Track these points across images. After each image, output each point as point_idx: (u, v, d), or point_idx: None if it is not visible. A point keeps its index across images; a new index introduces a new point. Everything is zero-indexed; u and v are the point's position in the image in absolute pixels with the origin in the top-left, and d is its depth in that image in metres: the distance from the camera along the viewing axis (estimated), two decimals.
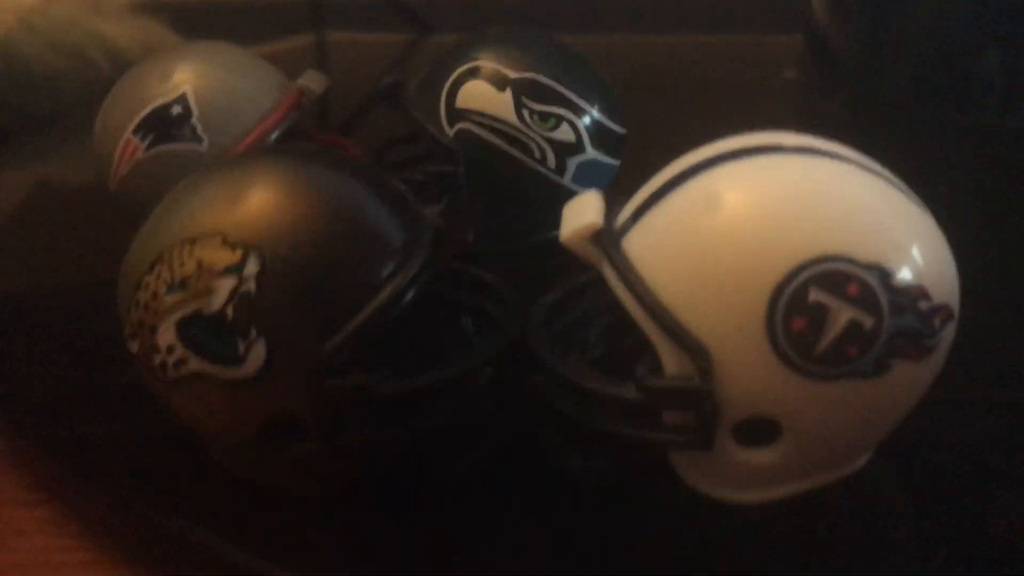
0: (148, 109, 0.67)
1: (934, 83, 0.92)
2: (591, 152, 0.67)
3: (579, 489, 0.51)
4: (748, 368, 0.43)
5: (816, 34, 1.04)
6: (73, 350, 0.70)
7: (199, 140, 0.67)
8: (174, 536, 0.52)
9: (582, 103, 0.67)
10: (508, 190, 0.67)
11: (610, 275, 0.46)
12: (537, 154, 0.66)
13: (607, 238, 0.46)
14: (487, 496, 0.51)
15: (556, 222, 0.49)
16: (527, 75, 0.66)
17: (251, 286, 0.46)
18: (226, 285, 0.46)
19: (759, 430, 0.45)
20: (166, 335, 0.47)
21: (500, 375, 0.51)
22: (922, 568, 0.47)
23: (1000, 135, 0.88)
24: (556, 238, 0.68)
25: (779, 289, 0.42)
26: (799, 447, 0.45)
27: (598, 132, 0.68)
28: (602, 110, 0.68)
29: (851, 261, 0.42)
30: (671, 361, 0.45)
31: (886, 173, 0.46)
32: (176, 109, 0.67)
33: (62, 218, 0.96)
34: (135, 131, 0.68)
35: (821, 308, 0.42)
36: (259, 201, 0.47)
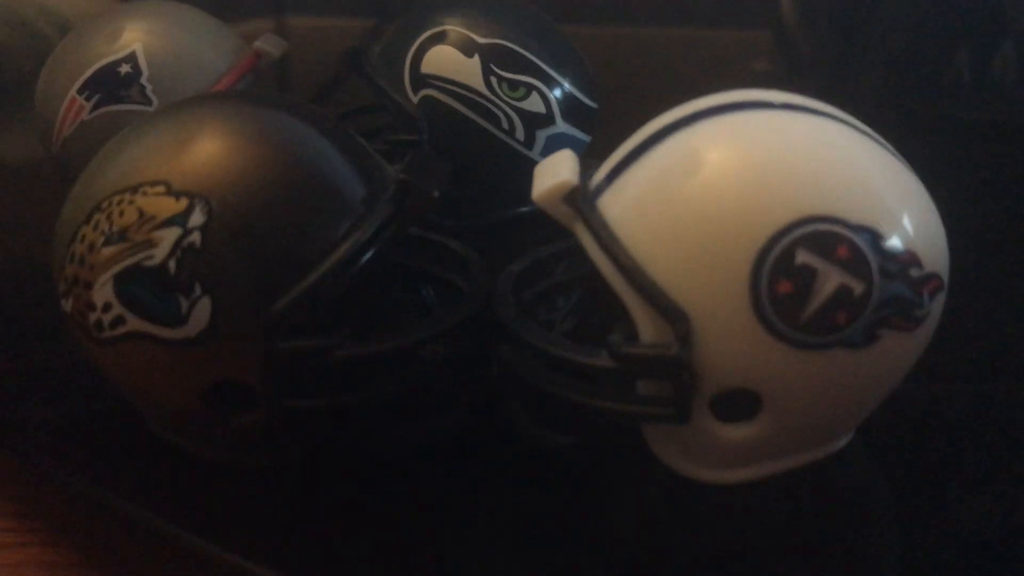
0: (95, 67, 0.64)
1: (904, 77, 0.91)
2: (561, 125, 0.65)
3: (548, 467, 0.48)
4: (729, 335, 0.41)
5: (785, 30, 1.03)
6: (7, 332, 0.66)
7: (148, 102, 0.64)
8: (110, 515, 0.49)
9: (554, 73, 0.64)
10: (474, 162, 0.64)
11: (584, 236, 0.43)
12: (505, 124, 0.63)
13: (582, 197, 0.43)
14: (446, 475, 0.48)
15: (523, 198, 0.46)
16: (496, 41, 0.63)
17: (196, 239, 0.42)
18: (169, 236, 0.42)
19: (739, 404, 0.43)
20: (102, 291, 0.43)
21: (465, 346, 0.48)
22: (896, 557, 0.45)
23: (969, 127, 0.87)
24: (523, 214, 0.66)
25: (764, 251, 0.40)
26: (780, 422, 0.43)
27: (569, 104, 0.65)
28: (574, 82, 0.65)
29: (841, 223, 0.40)
30: (647, 328, 0.42)
31: (878, 137, 0.44)
32: (124, 68, 0.64)
33: (2, 195, 0.93)
34: (80, 90, 0.64)
35: (809, 271, 0.40)
36: (207, 147, 0.43)
